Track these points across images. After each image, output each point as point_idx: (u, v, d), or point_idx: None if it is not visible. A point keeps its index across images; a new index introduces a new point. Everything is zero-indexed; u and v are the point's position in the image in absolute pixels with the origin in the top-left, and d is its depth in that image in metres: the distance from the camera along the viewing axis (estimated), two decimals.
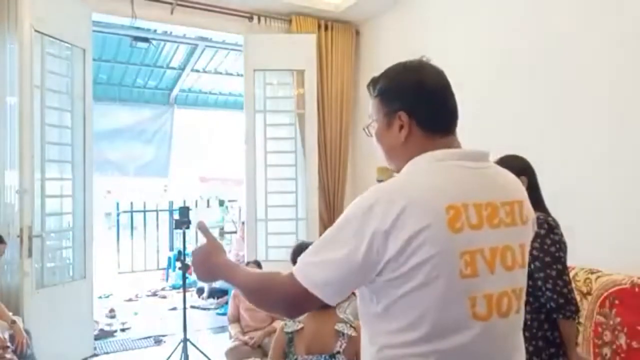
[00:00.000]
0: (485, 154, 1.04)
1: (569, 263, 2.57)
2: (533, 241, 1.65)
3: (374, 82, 1.10)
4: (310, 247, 0.98)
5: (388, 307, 0.93)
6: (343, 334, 1.89)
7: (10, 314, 3.02)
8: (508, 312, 0.96)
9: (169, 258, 7.17)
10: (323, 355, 1.85)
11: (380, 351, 0.96)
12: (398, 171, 1.04)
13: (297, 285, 0.95)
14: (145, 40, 5.09)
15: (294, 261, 1.87)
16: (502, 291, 0.95)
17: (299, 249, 1.94)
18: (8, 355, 2.76)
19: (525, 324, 1.08)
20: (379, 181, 1.35)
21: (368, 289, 0.96)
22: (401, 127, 1.02)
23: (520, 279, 1.01)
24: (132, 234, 7.90)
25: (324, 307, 1.82)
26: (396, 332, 0.93)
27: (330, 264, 0.93)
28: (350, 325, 1.91)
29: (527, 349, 1.33)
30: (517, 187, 1.07)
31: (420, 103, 1.03)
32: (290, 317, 1.04)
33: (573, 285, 2.52)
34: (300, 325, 1.89)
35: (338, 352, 1.86)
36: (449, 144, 1.02)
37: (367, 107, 1.11)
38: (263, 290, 1.03)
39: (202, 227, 1.21)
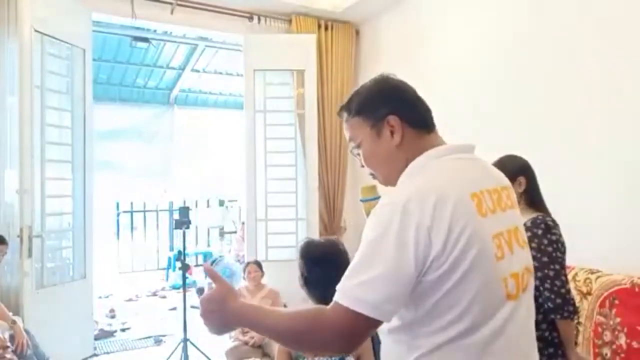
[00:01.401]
0: (473, 146, 1.08)
1: (570, 263, 2.58)
2: (531, 241, 1.65)
3: (346, 105, 1.11)
4: (347, 272, 0.90)
5: (429, 308, 0.91)
6: None
7: (10, 314, 3.02)
8: (526, 287, 1.01)
9: (169, 258, 7.17)
10: (333, 358, 1.84)
11: (425, 355, 0.92)
12: (394, 184, 1.03)
13: (349, 313, 0.86)
14: (145, 40, 5.09)
15: (302, 258, 1.86)
16: (523, 269, 1.00)
17: (307, 246, 1.92)
18: (8, 355, 2.76)
19: None
20: (363, 201, 1.33)
21: (420, 288, 0.92)
22: (392, 132, 1.04)
23: (530, 257, 1.07)
24: (132, 234, 7.89)
25: None
26: (439, 330, 0.91)
27: (383, 277, 0.86)
28: None
29: None
30: (498, 172, 1.12)
31: (406, 103, 1.06)
32: (346, 352, 0.90)
33: (571, 285, 2.52)
34: None
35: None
36: (437, 139, 1.07)
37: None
38: (311, 330, 0.90)
39: (210, 272, 1.05)
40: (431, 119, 1.08)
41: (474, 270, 0.89)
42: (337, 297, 0.89)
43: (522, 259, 1.01)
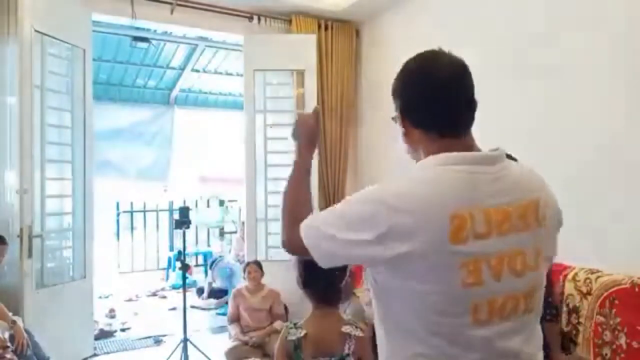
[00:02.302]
0: (496, 156, 0.99)
1: (570, 263, 2.58)
2: None
3: None
4: (324, 212, 1.02)
5: (392, 303, 0.98)
6: (350, 335, 1.88)
7: (10, 314, 3.02)
8: (514, 313, 0.95)
9: (169, 258, 7.17)
10: (332, 359, 1.84)
11: (403, 346, 0.98)
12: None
13: (302, 241, 1.01)
14: (145, 40, 5.09)
15: (299, 260, 1.86)
16: (508, 296, 0.94)
17: None
18: (8, 355, 2.76)
19: None
20: None
21: (384, 287, 0.98)
22: (400, 124, 1.07)
23: (532, 282, 0.97)
24: (132, 234, 7.89)
25: (327, 309, 1.81)
26: (409, 330, 0.96)
27: (340, 242, 0.96)
28: (356, 326, 1.90)
29: None
30: (531, 185, 1.01)
31: (413, 107, 1.04)
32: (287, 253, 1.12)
33: (572, 285, 2.52)
34: (304, 332, 1.88)
35: (347, 355, 1.85)
36: (451, 145, 0.98)
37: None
38: (286, 223, 1.12)
39: (317, 112, 1.33)
40: (449, 122, 1.01)
41: (430, 293, 0.91)
42: (304, 225, 1.03)
43: (517, 285, 0.95)
